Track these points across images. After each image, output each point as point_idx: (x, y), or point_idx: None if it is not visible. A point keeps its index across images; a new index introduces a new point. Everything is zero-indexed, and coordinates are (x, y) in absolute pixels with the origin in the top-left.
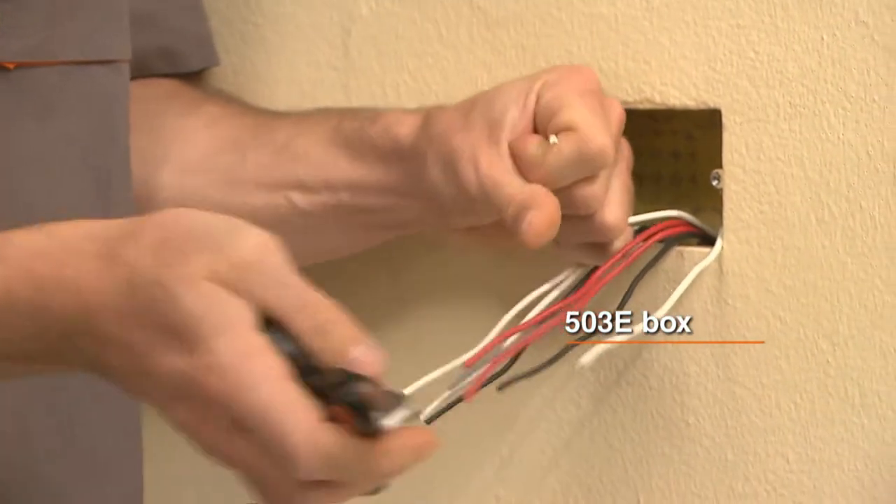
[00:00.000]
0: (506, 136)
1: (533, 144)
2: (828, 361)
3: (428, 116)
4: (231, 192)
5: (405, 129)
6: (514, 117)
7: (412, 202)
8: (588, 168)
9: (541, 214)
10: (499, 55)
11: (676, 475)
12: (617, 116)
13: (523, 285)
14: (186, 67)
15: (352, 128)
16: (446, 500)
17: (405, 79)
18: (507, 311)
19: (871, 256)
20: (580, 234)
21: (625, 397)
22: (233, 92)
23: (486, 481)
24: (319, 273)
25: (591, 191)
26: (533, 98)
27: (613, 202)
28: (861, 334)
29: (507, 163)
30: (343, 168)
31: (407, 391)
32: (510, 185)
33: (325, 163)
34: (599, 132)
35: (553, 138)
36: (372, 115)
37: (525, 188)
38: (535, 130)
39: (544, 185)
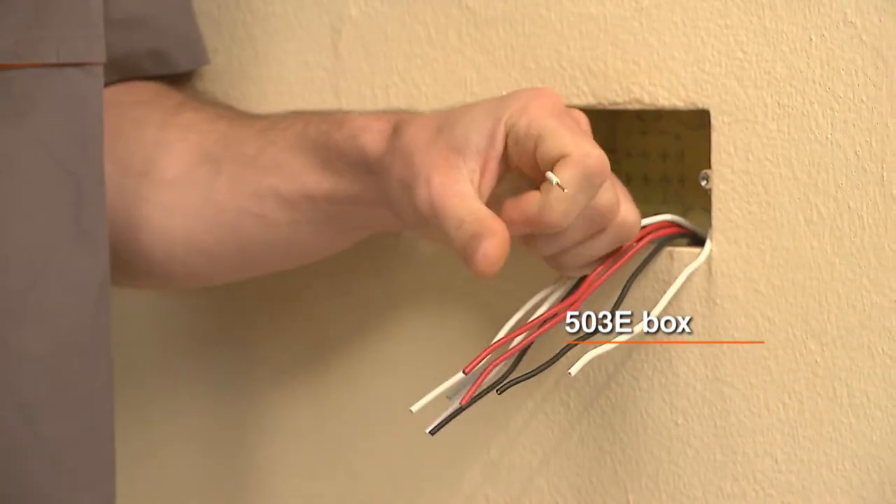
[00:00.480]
0: (465, 163)
1: (533, 201)
2: (816, 361)
3: (397, 129)
4: (208, 205)
5: (371, 138)
6: (479, 147)
7: (383, 211)
8: (596, 183)
9: (495, 242)
10: (488, 55)
11: (665, 476)
12: (587, 125)
13: (517, 285)
14: (176, 68)
15: (318, 132)
16: (436, 500)
17: (394, 79)
18: (497, 310)
19: (860, 257)
20: (605, 245)
21: (614, 398)
22: (221, 92)
23: (475, 482)
24: (312, 274)
25: (606, 197)
26: (502, 132)
27: (624, 200)
28: (849, 334)
29: (461, 187)
30: (313, 178)
31: (414, 408)
32: (459, 206)
33: (296, 173)
34: (591, 146)
35: (551, 176)
36: (339, 119)
37: (474, 212)
38: (514, 158)
39: (568, 221)
